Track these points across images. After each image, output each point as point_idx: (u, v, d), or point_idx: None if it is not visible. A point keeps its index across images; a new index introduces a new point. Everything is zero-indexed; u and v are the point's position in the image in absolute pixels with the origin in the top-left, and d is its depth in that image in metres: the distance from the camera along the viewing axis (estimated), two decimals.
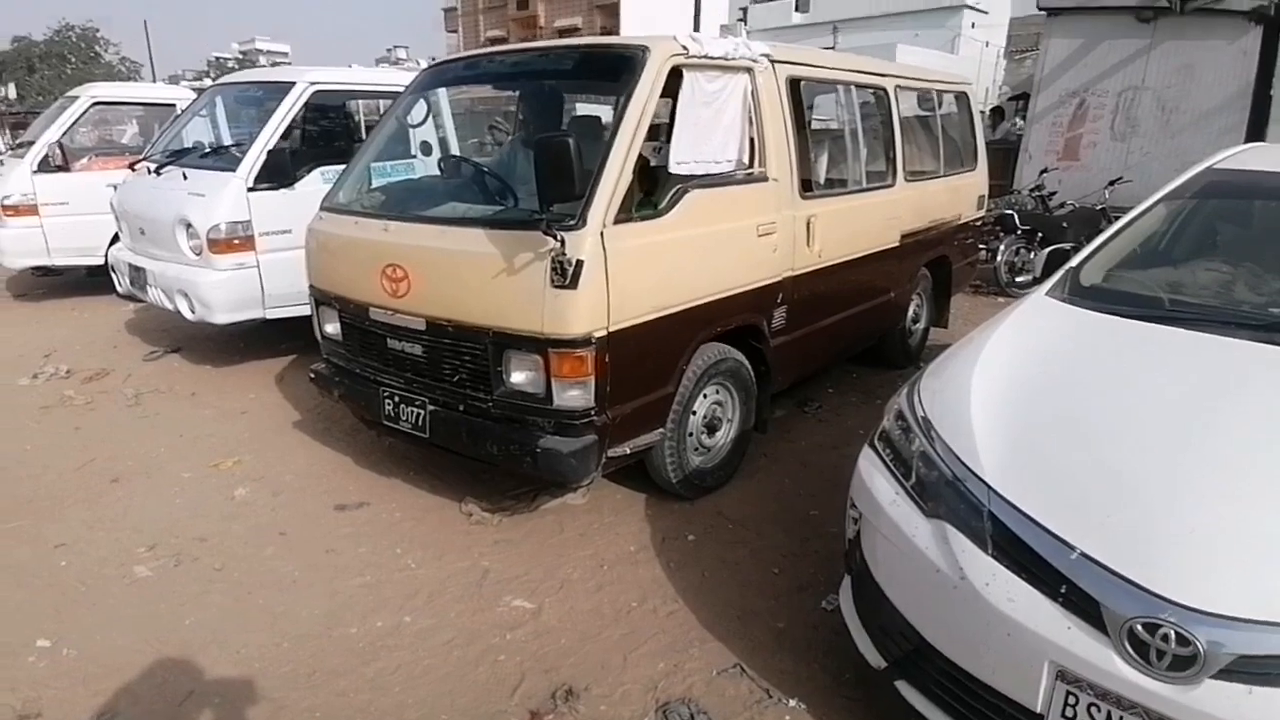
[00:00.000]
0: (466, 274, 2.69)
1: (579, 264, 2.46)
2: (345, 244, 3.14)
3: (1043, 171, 8.44)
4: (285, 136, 4.70)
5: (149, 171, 5.16)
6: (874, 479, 1.98)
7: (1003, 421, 1.84)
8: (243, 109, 5.64)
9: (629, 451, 2.80)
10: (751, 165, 3.23)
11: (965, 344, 2.31)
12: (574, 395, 2.59)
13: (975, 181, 5.38)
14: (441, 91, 4.51)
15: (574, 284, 2.46)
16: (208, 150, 5.17)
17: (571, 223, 2.52)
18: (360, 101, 6.00)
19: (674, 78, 2.85)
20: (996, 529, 1.61)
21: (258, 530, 3.03)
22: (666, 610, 2.52)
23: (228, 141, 5.27)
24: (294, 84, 4.82)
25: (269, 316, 4.75)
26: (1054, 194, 8.13)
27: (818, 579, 2.69)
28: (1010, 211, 7.44)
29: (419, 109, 3.72)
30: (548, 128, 3.63)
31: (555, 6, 41.69)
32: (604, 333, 2.58)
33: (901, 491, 1.87)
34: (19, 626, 2.44)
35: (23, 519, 3.12)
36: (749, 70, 3.19)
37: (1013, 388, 1.96)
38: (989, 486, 1.67)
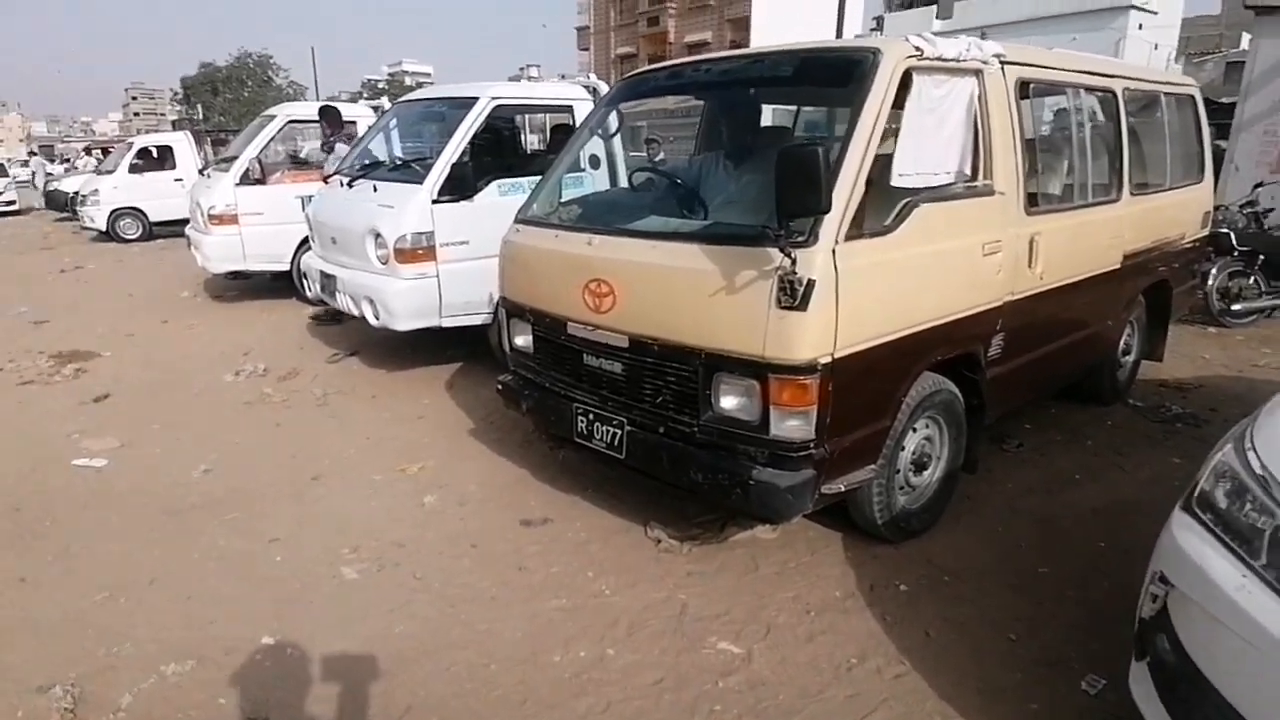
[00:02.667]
0: (679, 291, 2.56)
1: (810, 284, 2.27)
2: (544, 257, 3.10)
3: (1257, 186, 7.47)
4: (467, 150, 4.81)
5: (342, 184, 5.45)
6: (1203, 555, 1.64)
7: None
8: (426, 124, 5.88)
9: (843, 488, 2.56)
10: (976, 177, 2.92)
11: None
12: (793, 425, 2.39)
13: (1202, 196, 4.76)
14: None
15: (804, 305, 2.27)
16: (397, 164, 5.40)
17: (802, 239, 2.32)
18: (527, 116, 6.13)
19: (904, 83, 2.61)
20: None
21: (450, 540, 3.02)
22: (892, 673, 2.25)
23: (411, 156, 5.48)
24: (477, 99, 4.93)
25: (444, 325, 4.87)
26: (1270, 210, 7.16)
27: (1068, 653, 2.34)
28: (1224, 230, 6.58)
29: (613, 121, 3.66)
30: (747, 140, 3.47)
31: (686, 22, 42.09)
32: (829, 359, 2.36)
33: (1251, 574, 1.53)
34: (246, 620, 2.52)
35: (238, 510, 3.28)
36: (978, 73, 2.89)
37: None
38: None
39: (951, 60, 2.75)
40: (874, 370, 2.54)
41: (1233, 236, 6.44)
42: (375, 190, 5.04)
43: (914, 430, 2.92)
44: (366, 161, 5.55)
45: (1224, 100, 11.35)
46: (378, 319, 4.84)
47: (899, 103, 2.64)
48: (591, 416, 2.93)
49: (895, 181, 2.63)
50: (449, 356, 5.44)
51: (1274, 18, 8.16)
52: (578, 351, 2.97)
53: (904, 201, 2.60)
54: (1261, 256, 6.39)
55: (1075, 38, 29.28)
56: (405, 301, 4.71)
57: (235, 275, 7.63)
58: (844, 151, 2.42)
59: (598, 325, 2.83)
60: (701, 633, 2.44)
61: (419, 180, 4.78)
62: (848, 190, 2.37)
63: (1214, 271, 6.34)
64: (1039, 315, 3.33)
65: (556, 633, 2.43)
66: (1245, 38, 9.79)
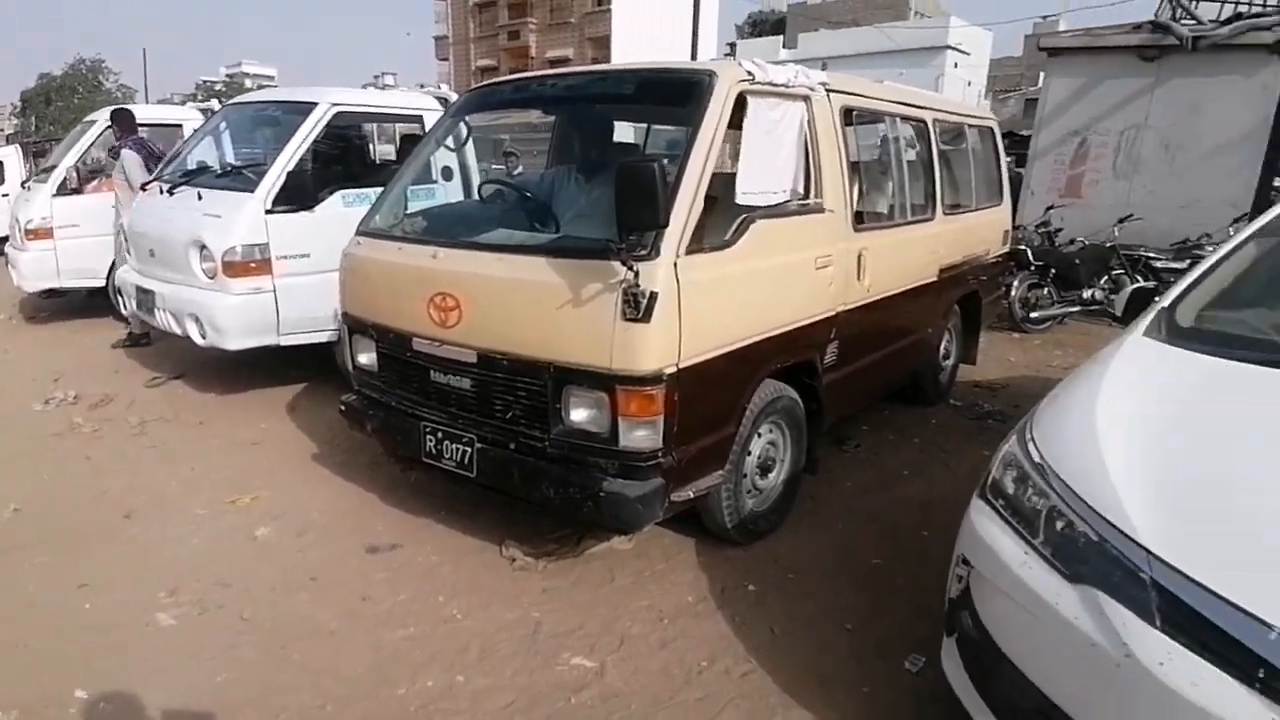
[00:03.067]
0: (526, 304, 2.53)
1: (653, 296, 2.32)
2: (387, 270, 2.97)
3: (1049, 208, 8.47)
4: (305, 158, 4.54)
5: (161, 191, 4.98)
6: (994, 536, 1.82)
7: (1144, 474, 1.69)
8: (258, 129, 5.49)
9: (691, 495, 2.63)
10: (809, 196, 3.12)
11: (1071, 387, 2.18)
12: (641, 435, 2.42)
13: (1002, 216, 5.33)
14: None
15: (647, 317, 2.31)
16: (224, 171, 5.00)
17: (644, 252, 2.37)
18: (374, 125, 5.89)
19: (739, 104, 2.75)
20: (1165, 600, 1.45)
21: (285, 574, 2.80)
22: (740, 671, 2.33)
23: (241, 163, 5.10)
24: (315, 104, 4.67)
25: (283, 343, 4.55)
26: (1060, 230, 8.15)
27: (896, 638, 2.51)
28: (1022, 247, 7.42)
29: (460, 132, 3.58)
30: (595, 155, 3.51)
31: (547, 38, 42.23)
32: (674, 369, 2.42)
33: (1032, 552, 1.71)
34: (56, 673, 2.23)
35: (46, 555, 2.89)
36: (806, 99, 3.09)
37: (1144, 437, 1.82)
38: (1148, 551, 1.52)
39: (781, 85, 2.92)
40: (718, 379, 2.63)
41: (1029, 253, 7.29)
42: (200, 199, 4.64)
43: (759, 435, 3.05)
44: (190, 168, 5.10)
45: (1024, 132, 12.83)
46: (204, 337, 4.44)
47: (736, 123, 2.78)
48: (440, 435, 2.83)
49: (739, 199, 2.76)
50: (291, 378, 5.08)
51: (1063, 59, 9.30)
52: (424, 368, 2.86)
53: (741, 218, 2.73)
54: (1053, 270, 7.27)
55: (903, 73, 32.18)
56: (236, 318, 4.36)
57: (50, 294, 6.80)
58: (682, 168, 2.50)
59: (444, 340, 2.74)
60: (555, 650, 2.41)
61: (250, 188, 4.46)
62: (687, 205, 2.45)
63: (1015, 284, 7.13)
64: (869, 324, 3.59)
65: (403, 663, 2.32)
66: (1042, 76, 11.14)
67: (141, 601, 2.59)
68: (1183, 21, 8.71)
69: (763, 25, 52.96)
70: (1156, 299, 2.55)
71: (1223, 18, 8.64)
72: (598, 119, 3.52)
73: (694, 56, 19.39)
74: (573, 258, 2.49)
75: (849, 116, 3.42)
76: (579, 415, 2.50)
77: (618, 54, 36.58)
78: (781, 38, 42.78)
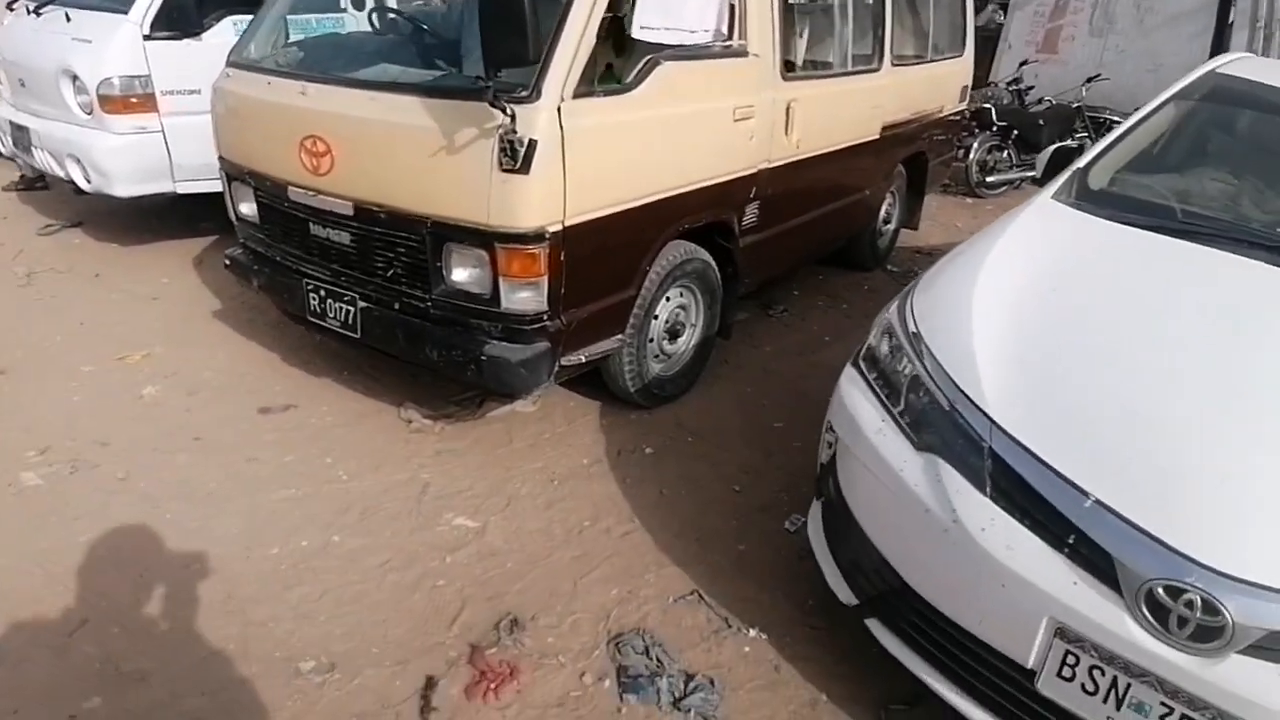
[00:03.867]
0: (400, 150, 2.31)
1: (532, 144, 2.10)
2: (257, 109, 2.67)
3: (1022, 64, 8.06)
4: None
5: (27, 11, 4.40)
6: (857, 403, 1.79)
7: (1008, 344, 1.64)
8: None
9: (584, 360, 2.55)
10: (731, 37, 2.83)
11: (963, 252, 2.08)
12: (524, 297, 2.29)
13: (961, 70, 5.01)
14: None
15: (525, 168, 2.11)
16: None
17: (524, 94, 2.13)
18: None
19: None
20: (998, 468, 1.44)
21: (169, 434, 2.72)
22: (621, 531, 2.36)
23: None
24: None
25: (180, 191, 4.22)
26: (1031, 88, 7.79)
27: (781, 498, 2.56)
28: (987, 105, 7.11)
29: None
30: None
31: None
32: (559, 227, 2.26)
33: (889, 419, 1.68)
34: None
35: None
36: None
37: (1019, 306, 1.75)
38: (991, 420, 1.49)
39: None
40: (613, 239, 2.48)
41: (994, 112, 6.98)
42: (68, 20, 4.12)
43: (667, 299, 2.94)
44: None
45: None
46: (89, 182, 4.10)
47: None
48: (323, 293, 2.67)
49: (635, 33, 2.46)
50: (202, 229, 4.76)
51: None
52: (303, 220, 2.65)
53: (646, 58, 2.46)
54: (1015, 131, 7.00)
55: None
56: (122, 161, 4.00)
57: None
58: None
59: (319, 190, 2.52)
60: (439, 510, 2.40)
61: (123, 8, 3.94)
62: (574, 41, 2.19)
63: (975, 145, 6.87)
64: (796, 184, 3.41)
65: (279, 524, 2.29)
66: None
67: (3, 463, 2.50)
68: None
69: None
70: (1076, 160, 2.42)
71: None
72: None
73: None
74: (448, 98, 2.24)
75: None
76: (460, 275, 2.35)
77: None
78: None
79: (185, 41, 4.03)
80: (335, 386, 3.10)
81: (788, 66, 3.16)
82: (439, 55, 2.92)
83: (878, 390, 1.77)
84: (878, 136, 4.02)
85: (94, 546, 2.16)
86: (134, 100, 3.95)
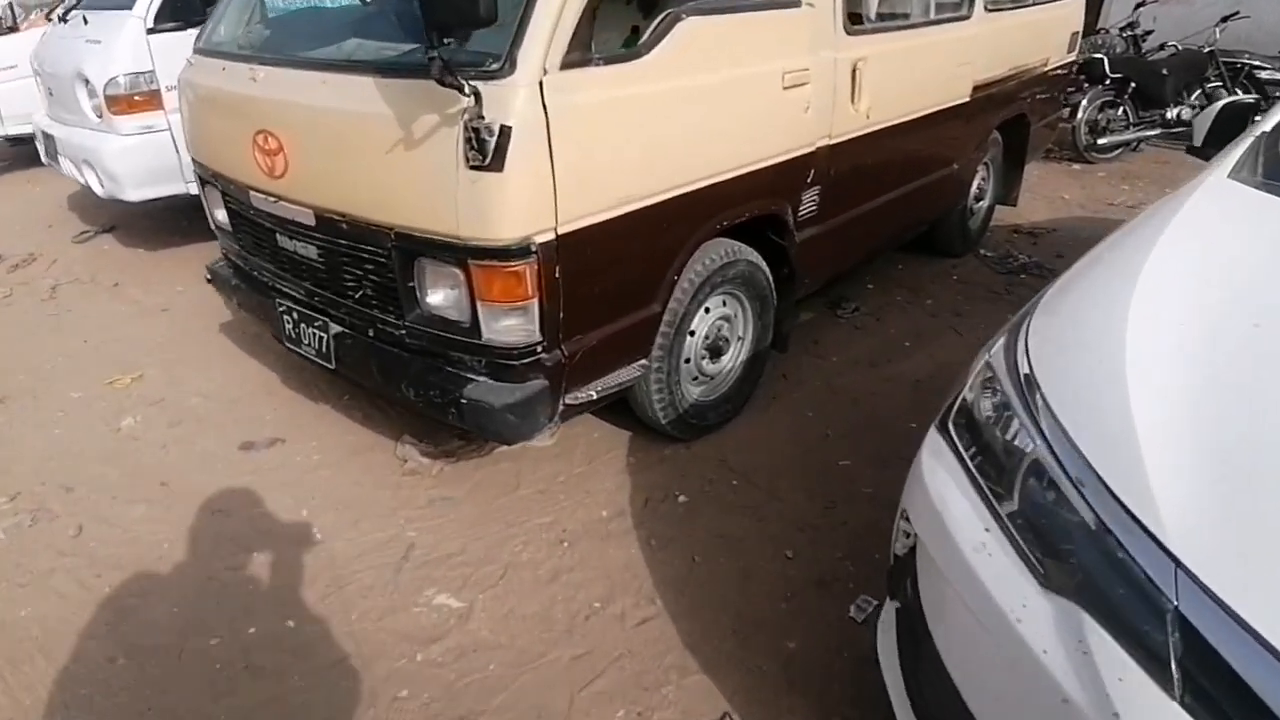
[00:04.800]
0: (353, 145, 1.87)
1: (505, 132, 1.62)
2: (210, 99, 2.30)
3: (1138, 5, 6.97)
4: None
5: (58, 19, 4.25)
6: (945, 491, 1.23)
7: (1191, 417, 1.05)
8: None
9: (595, 396, 2.07)
10: None
11: (1102, 258, 1.48)
12: (510, 326, 1.82)
13: (1071, 12, 4.21)
14: None
15: (498, 163, 1.63)
16: None
17: (494, 67, 1.65)
18: None
19: None
20: (1193, 650, 0.87)
21: (135, 478, 2.41)
22: (638, 617, 1.87)
23: None
24: None
25: (193, 191, 3.95)
26: (1150, 33, 6.74)
27: (844, 567, 2.02)
28: (1099, 56, 6.14)
29: None
30: None
31: None
32: (550, 236, 1.77)
33: (995, 527, 1.12)
34: None
35: None
36: None
37: (1203, 350, 1.15)
38: (1176, 563, 0.92)
39: None
40: (626, 246, 1.98)
41: (1106, 63, 6.02)
42: (86, 22, 3.90)
43: (705, 311, 2.43)
44: None
45: None
46: (103, 187, 3.88)
47: None
48: (296, 316, 2.28)
49: None
50: None
51: None
52: (270, 230, 2.26)
53: (663, 14, 1.93)
54: (1133, 84, 6.02)
55: None
56: (129, 163, 3.77)
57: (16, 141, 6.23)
58: None
59: (278, 195, 2.12)
60: (420, 584, 1.98)
61: (129, 4, 3.68)
62: None
63: (1084, 103, 5.95)
64: (866, 163, 2.80)
65: (227, 605, 1.92)
66: None
67: None
68: None
69: None
70: (1254, 118, 1.75)
71: None
72: None
73: None
74: (405, 77, 1.77)
75: None
76: (436, 298, 1.90)
77: None
78: None
79: (190, 31, 3.71)
80: (332, 415, 2.74)
81: (853, 17, 2.56)
82: (411, 24, 2.45)
83: (976, 474, 1.21)
84: (968, 99, 3.34)
85: (31, 625, 1.85)
86: (139, 99, 3.70)
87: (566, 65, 1.71)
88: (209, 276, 2.74)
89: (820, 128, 2.49)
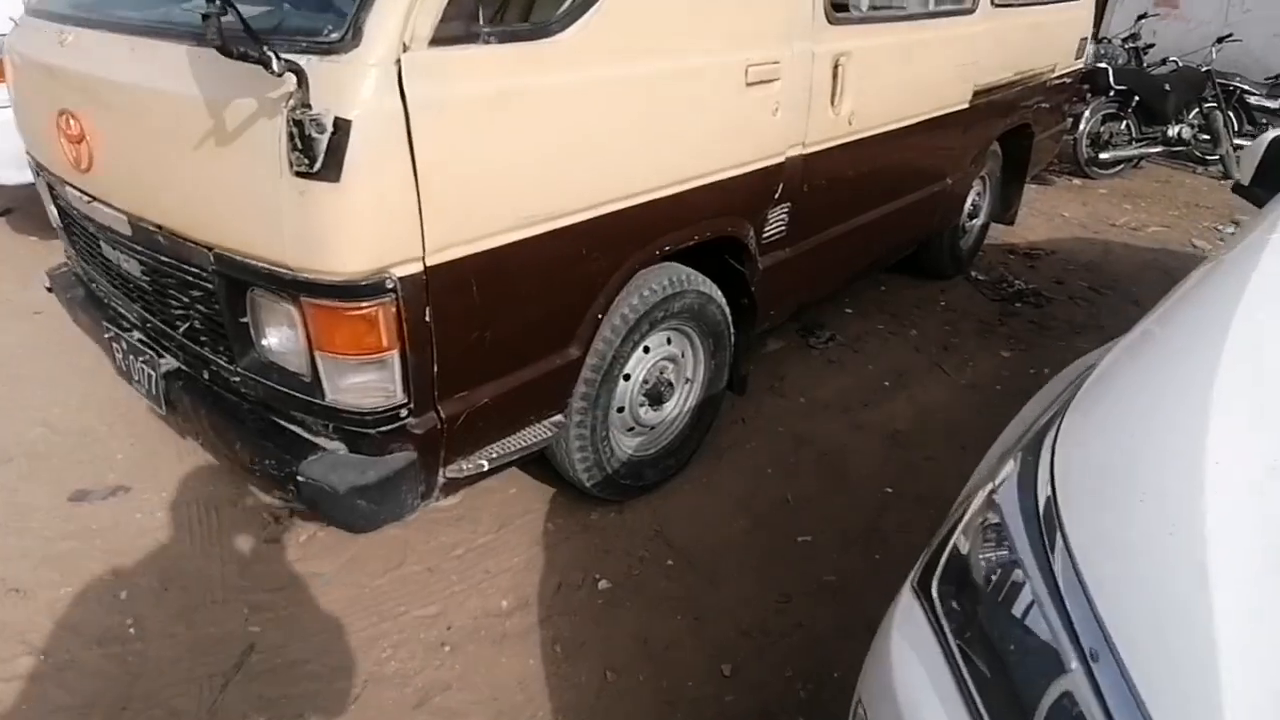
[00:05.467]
0: (163, 134, 1.40)
1: (341, 128, 1.17)
2: (23, 71, 1.81)
3: (1140, 17, 6.69)
4: None
5: None
6: (920, 695, 0.81)
7: None
8: None
9: (489, 466, 1.62)
10: None
11: (1153, 349, 1.05)
12: (362, 384, 1.37)
13: (1081, 15, 3.82)
14: None
15: (331, 171, 1.18)
16: None
17: (333, 36, 1.20)
18: None
19: None
20: None
21: None
22: None
23: None
24: None
25: None
26: (1151, 46, 6.43)
27: (794, 695, 1.60)
28: (1103, 65, 5.77)
29: None
30: None
31: None
32: (416, 267, 1.32)
33: None
34: None
35: None
36: None
37: None
38: None
39: None
40: (530, 278, 1.53)
41: (1110, 73, 5.65)
42: None
43: (645, 350, 1.99)
44: None
45: None
46: None
47: None
48: (125, 345, 1.82)
49: None
50: None
51: None
52: (95, 236, 1.79)
53: None
54: (1137, 98, 5.67)
55: None
56: None
57: None
58: None
59: (89, 193, 1.65)
60: (244, 710, 1.53)
61: None
62: None
63: (1087, 114, 5.58)
64: (846, 177, 2.38)
65: None
66: None
67: None
68: None
69: None
70: None
71: None
72: None
73: None
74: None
75: None
76: (272, 340, 1.45)
77: None
78: None
79: None
80: (197, 457, 2.27)
81: (837, 5, 2.13)
82: None
83: (968, 677, 0.79)
84: (967, 105, 2.93)
85: None
86: None
87: (440, 40, 1.26)
88: (48, 285, 2.26)
89: (792, 134, 2.06)
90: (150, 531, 1.98)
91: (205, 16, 1.01)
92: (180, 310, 1.61)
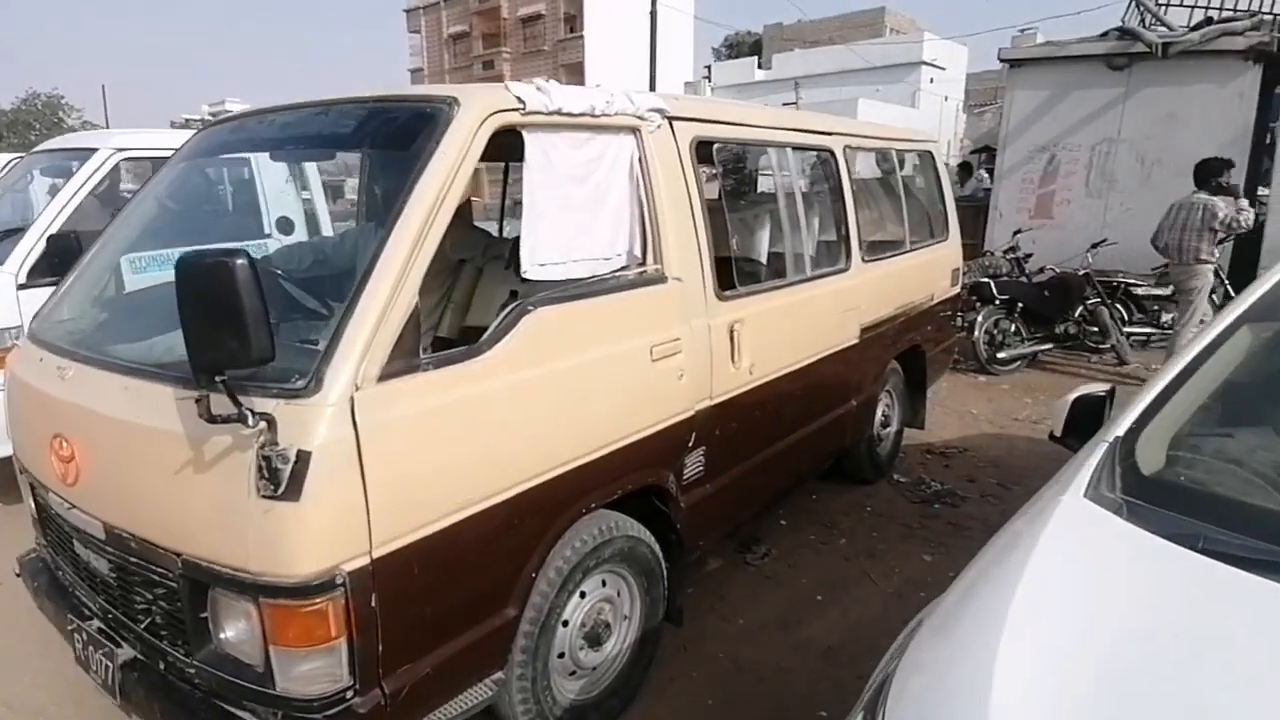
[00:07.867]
0: (141, 461, 1.65)
1: (303, 459, 1.43)
2: (19, 393, 2.09)
3: (1016, 232, 7.71)
4: (76, 217, 3.68)
5: None
6: None
7: None
8: (55, 181, 4.64)
9: None
10: (644, 261, 2.27)
11: (959, 617, 1.30)
12: (309, 672, 1.53)
13: (948, 254, 4.50)
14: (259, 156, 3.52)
15: (293, 493, 1.43)
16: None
17: (299, 384, 1.50)
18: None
19: (505, 143, 1.90)
20: None
21: None
22: None
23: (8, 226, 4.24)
24: (95, 150, 3.82)
25: None
26: (1029, 255, 7.35)
27: None
28: (985, 280, 6.61)
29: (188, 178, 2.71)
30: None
31: (521, 66, 41.37)
32: (364, 562, 1.54)
33: None
34: None
35: None
36: (634, 130, 2.25)
37: None
38: None
39: (581, 115, 2.07)
40: (467, 553, 1.75)
41: (993, 286, 6.47)
42: None
43: (581, 595, 2.17)
44: None
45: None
46: None
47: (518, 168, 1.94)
48: (86, 635, 1.93)
49: (525, 272, 1.93)
50: None
51: (1026, 70, 8.61)
52: (69, 534, 1.97)
53: (507, 310, 1.86)
54: (1020, 304, 6.45)
55: (879, 89, 31.76)
56: None
57: None
58: (380, 246, 1.63)
59: (73, 504, 1.86)
60: None
61: (1, 258, 3.59)
62: (382, 302, 1.58)
63: (980, 319, 6.31)
64: (753, 415, 2.73)
65: None
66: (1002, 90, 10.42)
67: None
68: (1152, 28, 8.06)
69: (739, 47, 52.80)
70: (1107, 413, 1.69)
71: (1193, 23, 8.01)
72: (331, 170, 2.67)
73: (653, 85, 18.66)
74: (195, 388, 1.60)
75: (705, 152, 2.58)
76: (229, 635, 1.61)
77: (591, 81, 35.88)
78: (757, 59, 42.37)
79: None
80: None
81: (724, 284, 2.59)
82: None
83: None
84: (857, 340, 3.41)
85: None
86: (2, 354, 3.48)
87: (387, 376, 1.58)
88: (17, 570, 2.37)
89: (698, 391, 2.42)
90: None
91: (199, 401, 1.31)
92: (144, 605, 1.76)
